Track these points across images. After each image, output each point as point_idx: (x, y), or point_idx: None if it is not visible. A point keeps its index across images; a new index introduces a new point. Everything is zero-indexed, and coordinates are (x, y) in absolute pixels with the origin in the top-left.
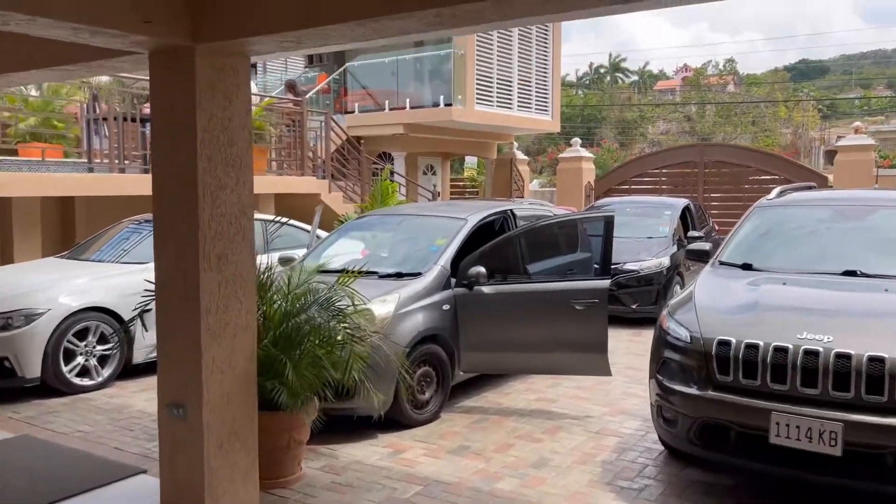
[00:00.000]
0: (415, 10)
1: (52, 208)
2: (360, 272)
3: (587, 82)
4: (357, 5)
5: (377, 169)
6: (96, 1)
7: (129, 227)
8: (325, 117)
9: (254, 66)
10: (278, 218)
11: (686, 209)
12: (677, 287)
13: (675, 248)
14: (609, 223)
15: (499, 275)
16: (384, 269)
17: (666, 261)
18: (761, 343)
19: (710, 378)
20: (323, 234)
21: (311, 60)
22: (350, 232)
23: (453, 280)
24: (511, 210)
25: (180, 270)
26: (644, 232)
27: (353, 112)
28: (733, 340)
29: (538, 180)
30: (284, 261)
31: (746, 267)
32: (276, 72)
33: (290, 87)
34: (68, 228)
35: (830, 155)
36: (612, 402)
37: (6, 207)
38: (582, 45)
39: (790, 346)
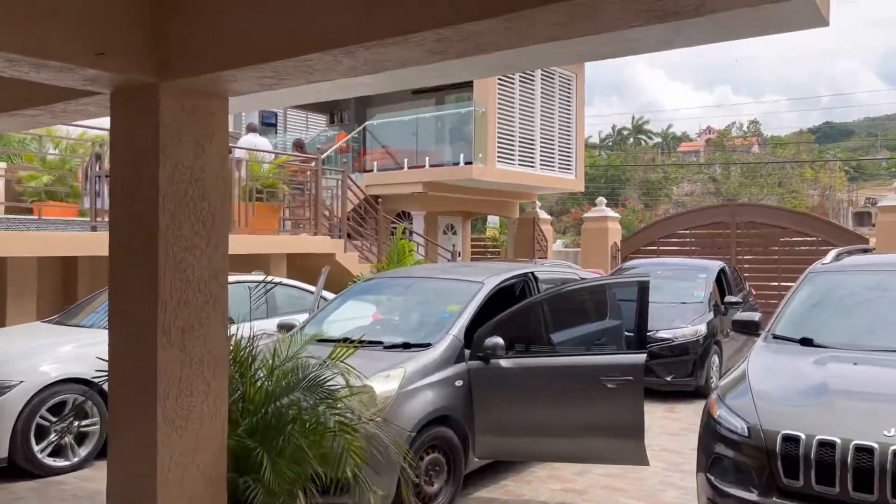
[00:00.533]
0: (412, 33)
1: (52, 269)
2: (362, 342)
3: (610, 144)
4: (340, 30)
5: (395, 228)
6: (36, 28)
7: None
8: (342, 175)
9: (273, 124)
10: (270, 278)
11: (721, 272)
12: (715, 357)
13: (711, 315)
14: (644, 289)
15: (519, 346)
16: (390, 338)
17: (702, 328)
18: (839, 440)
19: (773, 482)
20: (330, 296)
21: (331, 120)
22: (356, 295)
23: (467, 352)
24: (532, 273)
25: (135, 346)
26: (677, 296)
27: (371, 171)
28: (802, 436)
29: (562, 241)
30: (284, 327)
31: (806, 342)
32: (296, 130)
33: (298, 146)
34: (70, 291)
35: (859, 216)
36: (650, 495)
37: (1, 268)
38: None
39: (876, 446)
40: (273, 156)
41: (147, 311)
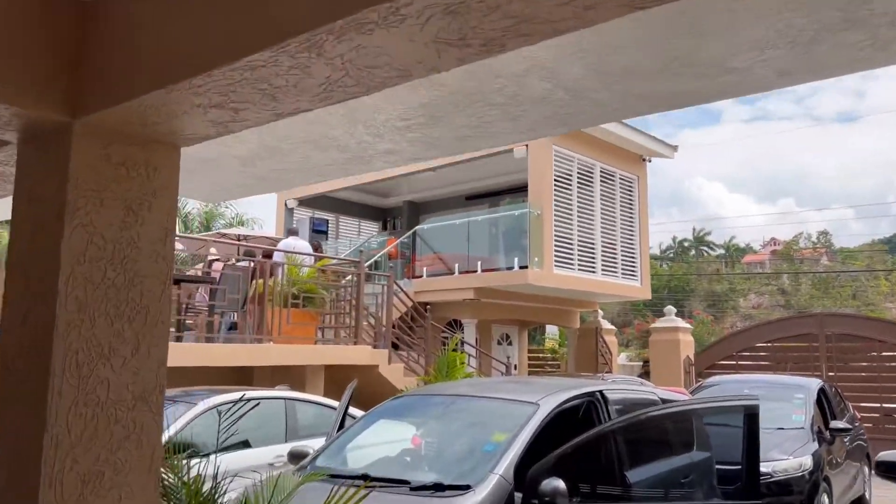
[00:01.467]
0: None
1: None
2: (382, 481)
3: (671, 255)
4: (296, 12)
5: (446, 338)
6: None
7: None
8: (388, 280)
9: (324, 231)
10: (296, 394)
11: (821, 391)
12: (825, 497)
13: (816, 444)
14: (753, 415)
15: (585, 488)
16: (418, 475)
17: (807, 461)
18: None
19: None
20: (359, 413)
21: (384, 227)
22: (384, 417)
23: (518, 496)
24: (601, 392)
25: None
26: (772, 421)
27: (420, 276)
28: None
29: (625, 354)
30: (295, 456)
31: None
32: (348, 238)
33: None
34: None
35: None
36: None
37: None
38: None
39: None
40: (313, 260)
41: (31, 448)
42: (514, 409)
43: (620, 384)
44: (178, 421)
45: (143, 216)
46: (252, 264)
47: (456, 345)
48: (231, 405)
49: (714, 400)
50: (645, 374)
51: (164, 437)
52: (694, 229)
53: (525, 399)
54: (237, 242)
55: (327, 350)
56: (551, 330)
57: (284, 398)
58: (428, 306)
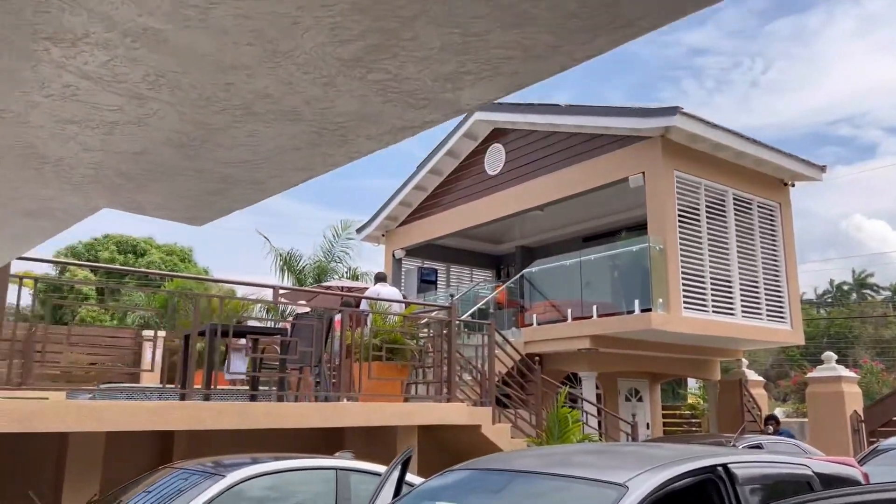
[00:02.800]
0: None
1: (148, 443)
2: None
3: (829, 300)
4: None
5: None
6: None
7: (173, 474)
8: (488, 329)
9: (433, 281)
10: (355, 464)
11: None
12: None
13: None
14: None
15: None
16: None
17: None
18: None
19: None
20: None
21: (498, 275)
22: (424, 499)
23: None
24: (724, 466)
25: None
26: None
27: (530, 325)
28: None
29: (782, 409)
30: None
31: None
32: (463, 285)
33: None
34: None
35: None
36: None
37: (63, 444)
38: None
39: None
40: (401, 308)
41: None
42: (591, 493)
43: (769, 449)
44: (199, 498)
45: None
46: (327, 314)
47: (565, 400)
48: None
49: None
50: (773, 427)
51: None
52: (853, 271)
53: (609, 479)
54: (317, 291)
55: (415, 409)
56: (694, 384)
57: (337, 468)
58: (537, 358)
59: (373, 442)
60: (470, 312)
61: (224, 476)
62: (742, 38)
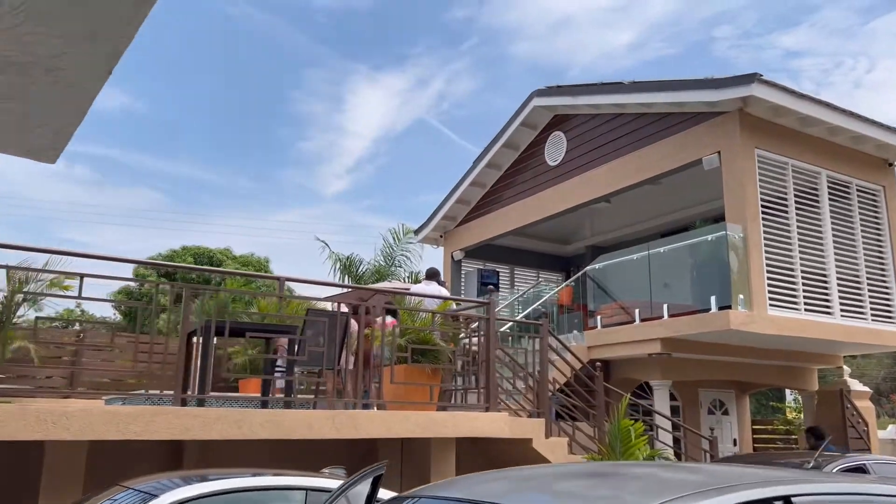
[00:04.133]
0: None
1: (162, 450)
2: None
3: None
4: None
5: (634, 407)
6: None
7: (120, 494)
8: (542, 330)
9: (494, 284)
10: (342, 482)
11: None
12: None
13: None
14: None
15: None
16: None
17: None
18: None
19: None
20: None
21: (567, 276)
22: None
23: None
24: (786, 498)
25: None
26: None
27: (594, 329)
28: None
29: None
30: None
31: None
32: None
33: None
34: None
35: None
36: None
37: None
38: None
39: None
40: (436, 306)
41: None
42: None
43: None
44: None
45: None
46: (345, 308)
47: (628, 410)
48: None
49: None
50: (812, 442)
51: None
52: None
53: None
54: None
55: (445, 418)
56: (791, 396)
57: (308, 488)
58: (598, 364)
59: (410, 458)
60: (525, 313)
61: (156, 497)
62: (843, 37)
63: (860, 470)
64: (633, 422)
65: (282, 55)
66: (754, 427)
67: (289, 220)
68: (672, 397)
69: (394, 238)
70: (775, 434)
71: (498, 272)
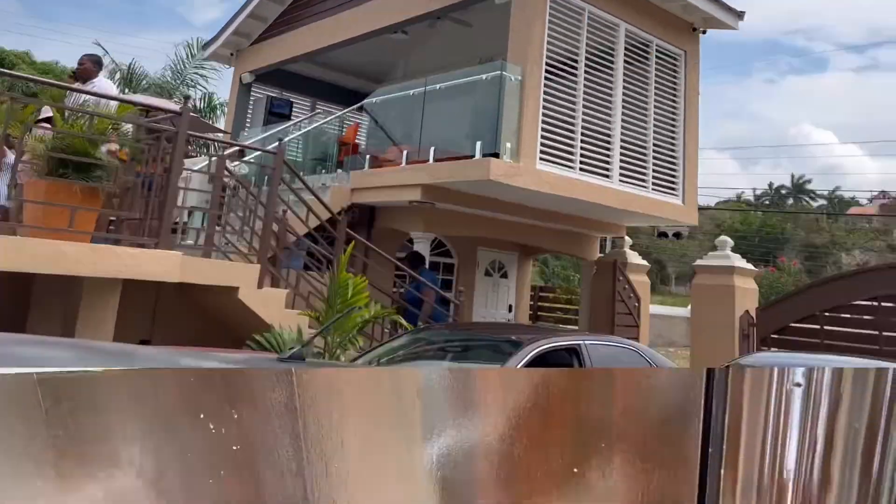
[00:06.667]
0: None
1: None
2: None
3: (766, 203)
4: None
5: (399, 268)
6: None
7: None
8: (274, 160)
9: (286, 115)
10: None
11: None
12: None
13: None
14: None
15: None
16: None
17: None
18: None
19: None
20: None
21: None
22: None
23: None
24: None
25: None
26: None
27: (362, 169)
28: None
29: (668, 305)
30: None
31: None
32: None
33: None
34: None
35: None
36: None
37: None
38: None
39: None
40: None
41: None
42: None
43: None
44: None
45: None
46: None
47: (346, 262)
48: None
49: None
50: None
51: None
52: (793, 176)
53: None
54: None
55: (88, 253)
56: None
57: None
58: (355, 208)
59: (66, 301)
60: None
61: None
62: None
63: (573, 350)
64: (352, 275)
65: None
66: (541, 294)
67: (144, 45)
68: (448, 254)
69: (187, 54)
70: (556, 303)
71: (292, 103)
